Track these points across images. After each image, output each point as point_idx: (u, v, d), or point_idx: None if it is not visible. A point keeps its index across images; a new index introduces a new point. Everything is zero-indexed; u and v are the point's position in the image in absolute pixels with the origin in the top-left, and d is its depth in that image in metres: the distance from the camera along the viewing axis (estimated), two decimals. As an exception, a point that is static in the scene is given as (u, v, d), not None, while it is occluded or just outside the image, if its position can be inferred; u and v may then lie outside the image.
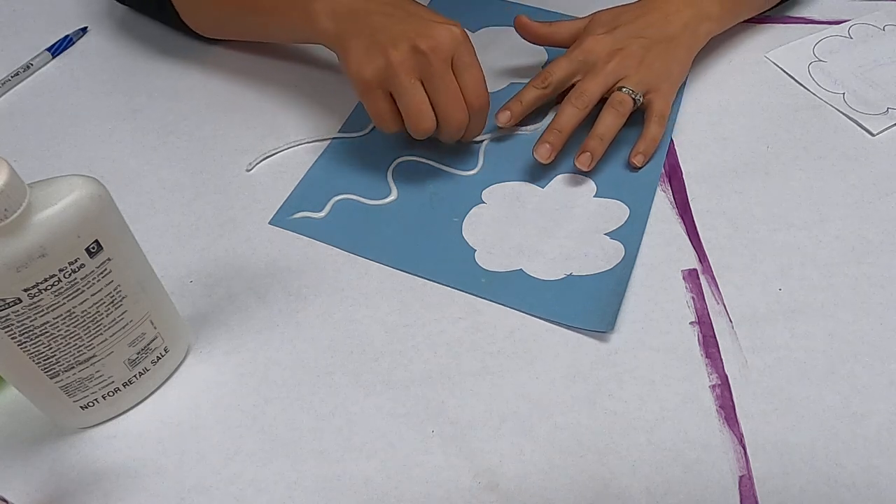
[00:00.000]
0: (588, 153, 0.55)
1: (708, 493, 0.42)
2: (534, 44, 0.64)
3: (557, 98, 0.60)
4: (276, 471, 0.43)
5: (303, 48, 0.67)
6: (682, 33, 0.60)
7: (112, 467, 0.44)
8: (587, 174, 0.57)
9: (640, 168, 0.57)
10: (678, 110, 0.62)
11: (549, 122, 0.58)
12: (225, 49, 0.68)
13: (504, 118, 0.58)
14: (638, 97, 0.57)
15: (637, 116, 0.58)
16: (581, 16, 0.62)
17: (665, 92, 0.58)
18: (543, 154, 0.56)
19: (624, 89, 0.57)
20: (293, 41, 0.63)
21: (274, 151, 0.60)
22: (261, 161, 0.59)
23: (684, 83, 0.63)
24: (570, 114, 0.56)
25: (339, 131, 0.61)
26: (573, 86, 0.58)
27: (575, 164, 0.56)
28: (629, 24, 0.59)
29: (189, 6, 0.64)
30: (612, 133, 0.57)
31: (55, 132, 0.62)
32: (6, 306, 0.36)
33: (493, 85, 0.65)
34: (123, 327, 0.42)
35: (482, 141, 0.60)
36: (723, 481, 0.42)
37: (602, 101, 0.58)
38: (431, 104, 0.52)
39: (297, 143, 0.60)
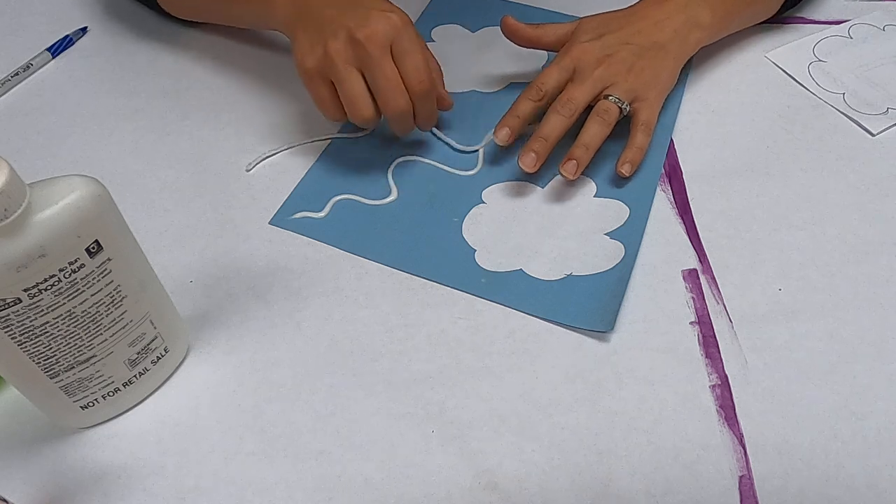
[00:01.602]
0: (574, 161, 0.55)
1: (708, 493, 0.42)
2: (521, 46, 0.63)
3: None
4: (276, 471, 0.43)
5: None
6: (671, 41, 0.59)
7: (112, 467, 0.44)
8: (587, 174, 0.57)
9: (627, 177, 0.56)
10: (678, 110, 0.62)
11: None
12: (226, 49, 0.68)
13: (503, 136, 0.56)
14: (625, 106, 0.56)
15: (626, 126, 0.58)
16: (581, 15, 0.62)
17: (652, 101, 0.58)
18: (528, 163, 0.55)
19: (610, 97, 0.56)
20: (257, 27, 0.65)
21: (274, 151, 0.60)
22: (261, 161, 0.59)
23: (683, 87, 0.63)
24: (556, 122, 0.55)
25: (339, 131, 0.61)
26: None
27: (560, 173, 0.55)
28: (618, 31, 0.59)
29: None
30: (598, 142, 0.56)
31: (55, 132, 0.62)
32: (6, 306, 0.36)
33: (493, 85, 0.65)
34: (123, 327, 0.42)
35: (482, 145, 0.60)
36: (723, 481, 0.42)
37: (590, 108, 0.57)
38: (373, 93, 0.52)
39: (297, 143, 0.60)
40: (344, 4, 0.53)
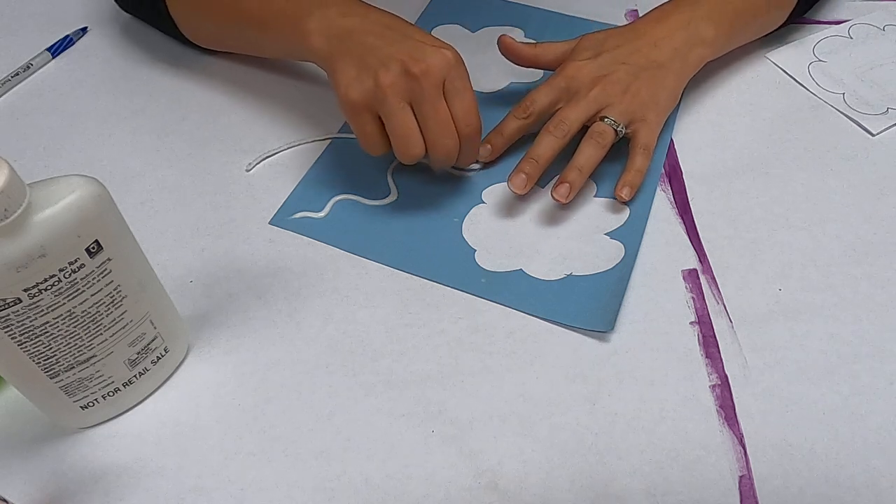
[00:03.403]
0: (567, 184, 0.53)
1: (708, 493, 0.42)
2: (519, 65, 0.61)
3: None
4: (276, 471, 0.43)
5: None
6: (671, 60, 0.57)
7: (112, 467, 0.44)
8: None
9: (627, 202, 0.55)
10: (678, 110, 0.62)
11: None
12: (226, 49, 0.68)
13: (485, 153, 0.57)
14: (620, 128, 0.55)
15: (624, 144, 0.57)
16: (582, 15, 0.62)
17: (651, 122, 0.56)
18: (519, 185, 0.53)
19: (606, 119, 0.55)
20: (287, 58, 0.63)
21: (274, 151, 0.60)
22: (261, 161, 0.59)
23: (678, 107, 0.61)
24: (548, 143, 0.54)
25: (339, 131, 0.61)
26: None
27: (552, 196, 0.54)
28: (616, 50, 0.57)
29: (187, 18, 0.64)
30: (593, 165, 0.55)
31: (55, 132, 0.62)
32: (6, 306, 0.36)
33: (494, 85, 0.65)
34: (123, 327, 0.42)
35: (476, 169, 0.59)
36: (723, 481, 0.42)
37: (585, 129, 0.56)
38: (421, 129, 0.50)
39: (297, 143, 0.61)
40: (389, 35, 0.51)
